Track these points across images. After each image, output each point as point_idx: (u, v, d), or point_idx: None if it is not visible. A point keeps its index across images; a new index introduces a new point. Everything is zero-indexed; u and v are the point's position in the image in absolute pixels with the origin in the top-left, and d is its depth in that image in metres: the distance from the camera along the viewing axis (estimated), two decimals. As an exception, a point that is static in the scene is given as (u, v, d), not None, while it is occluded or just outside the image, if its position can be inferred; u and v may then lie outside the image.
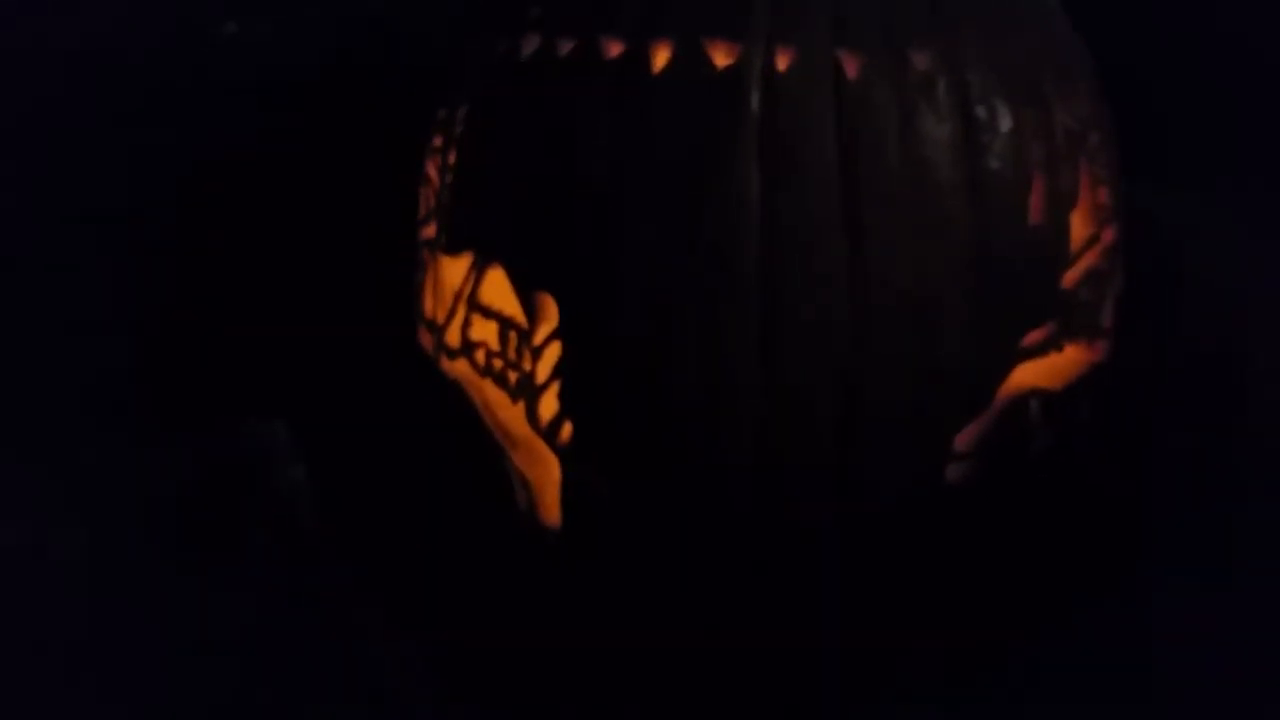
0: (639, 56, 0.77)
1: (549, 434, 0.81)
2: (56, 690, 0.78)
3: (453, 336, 0.85)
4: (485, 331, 0.83)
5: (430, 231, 0.87)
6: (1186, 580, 0.86)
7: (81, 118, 0.96)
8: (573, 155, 0.78)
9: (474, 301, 0.83)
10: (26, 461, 0.92)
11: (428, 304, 0.88)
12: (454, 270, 0.84)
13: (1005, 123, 0.78)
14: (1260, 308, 0.93)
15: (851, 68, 0.76)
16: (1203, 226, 0.97)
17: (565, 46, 0.79)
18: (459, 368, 0.85)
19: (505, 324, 0.82)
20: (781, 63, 0.76)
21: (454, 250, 0.84)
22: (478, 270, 0.82)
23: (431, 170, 0.87)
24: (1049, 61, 0.82)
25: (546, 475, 0.83)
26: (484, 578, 0.89)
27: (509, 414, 0.83)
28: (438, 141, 0.86)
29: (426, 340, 0.88)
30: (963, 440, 0.80)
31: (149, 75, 0.95)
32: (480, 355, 0.83)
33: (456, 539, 0.91)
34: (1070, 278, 0.82)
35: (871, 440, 0.78)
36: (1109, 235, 0.85)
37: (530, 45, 0.81)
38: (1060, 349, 0.83)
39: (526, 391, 0.81)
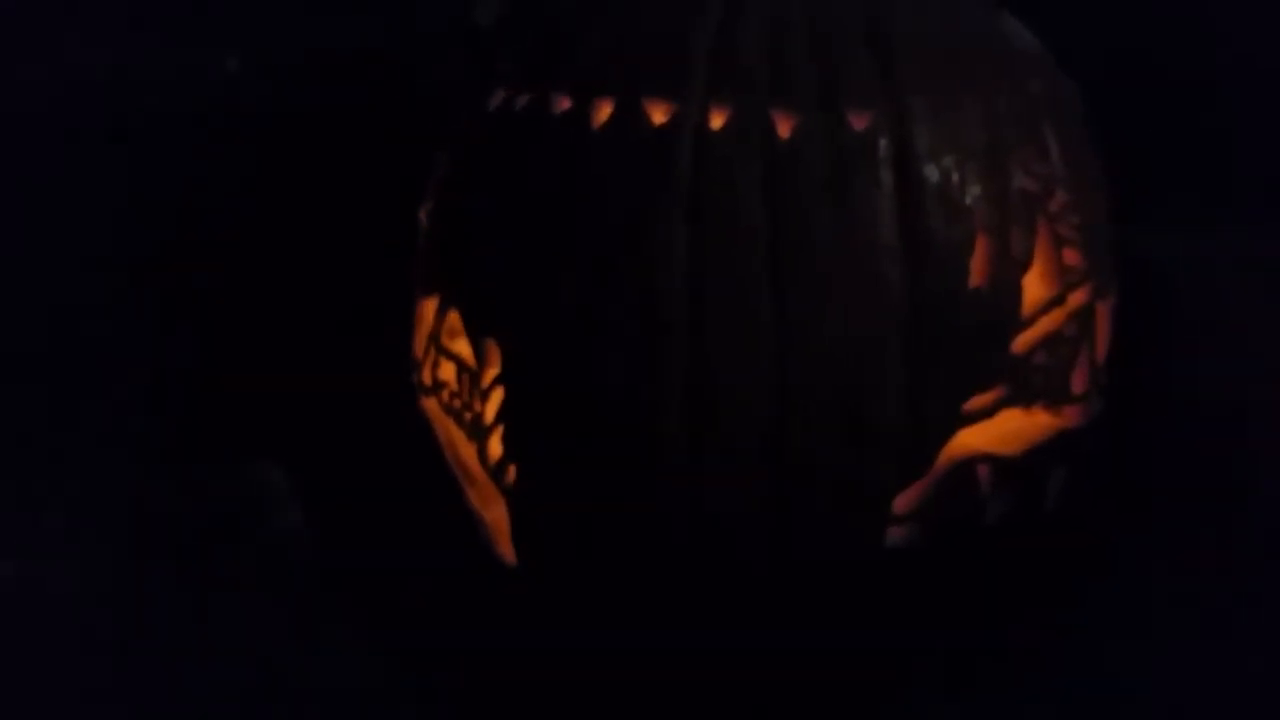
0: (583, 112, 0.79)
1: (497, 475, 0.83)
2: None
3: (426, 375, 0.88)
4: (448, 372, 0.86)
5: (417, 273, 0.91)
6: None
7: (82, 153, 0.99)
8: (519, 206, 0.81)
9: (438, 342, 0.86)
10: (23, 496, 0.95)
11: (415, 344, 0.91)
12: (427, 311, 0.88)
13: (949, 186, 0.77)
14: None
15: (784, 127, 0.77)
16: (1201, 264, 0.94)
17: (522, 100, 0.82)
18: (430, 405, 0.88)
19: (460, 366, 0.84)
20: (716, 121, 0.77)
21: (426, 292, 0.88)
22: (441, 312, 0.86)
23: (422, 213, 0.91)
24: (1014, 122, 0.80)
25: (500, 514, 0.85)
26: (471, 618, 0.91)
27: (467, 452, 0.86)
28: (429, 186, 0.90)
29: (414, 379, 0.92)
30: (903, 503, 0.79)
31: (152, 112, 0.99)
32: (445, 394, 0.87)
33: (447, 581, 0.93)
34: (1023, 342, 0.80)
35: (803, 499, 0.78)
36: (1078, 298, 0.83)
37: (496, 98, 0.84)
38: (1012, 414, 0.81)
39: (478, 432, 0.84)
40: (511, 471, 0.82)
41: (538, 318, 0.80)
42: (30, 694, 0.80)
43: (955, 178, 0.77)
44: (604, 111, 0.79)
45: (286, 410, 1.02)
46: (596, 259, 0.78)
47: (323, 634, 0.89)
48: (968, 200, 0.78)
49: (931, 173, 0.77)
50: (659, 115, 0.78)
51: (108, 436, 1.01)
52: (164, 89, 0.99)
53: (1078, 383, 0.84)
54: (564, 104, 0.80)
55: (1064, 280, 0.82)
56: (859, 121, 0.77)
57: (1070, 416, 0.84)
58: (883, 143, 0.77)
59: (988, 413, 0.80)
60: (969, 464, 0.80)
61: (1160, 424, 0.95)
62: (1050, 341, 0.81)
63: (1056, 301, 0.81)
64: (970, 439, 0.80)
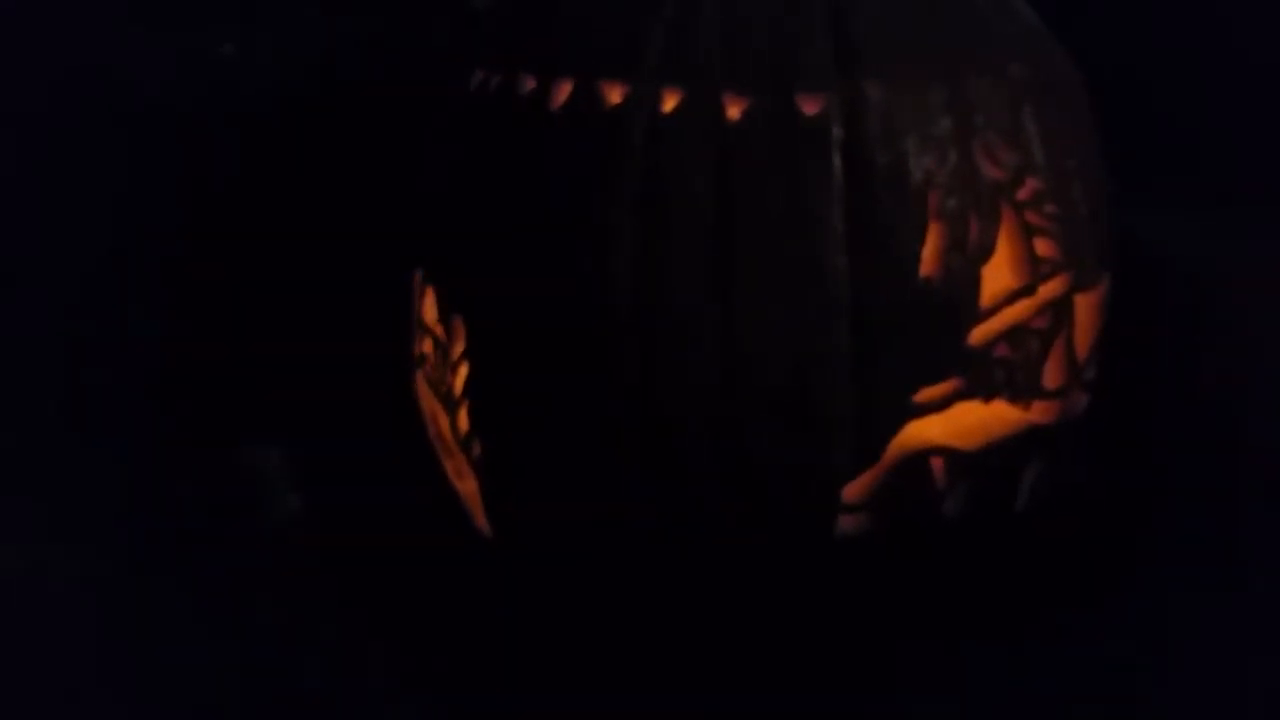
0: (545, 92, 0.80)
1: (465, 448, 0.85)
2: (51, 710, 0.81)
3: (416, 349, 0.90)
4: (429, 346, 0.88)
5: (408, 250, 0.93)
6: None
7: (80, 139, 1.00)
8: (483, 184, 0.82)
9: (419, 318, 0.88)
10: (22, 486, 0.96)
11: (411, 318, 0.93)
12: (417, 287, 0.90)
13: (902, 173, 0.76)
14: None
15: (735, 110, 0.76)
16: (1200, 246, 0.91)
17: (495, 81, 0.83)
18: (419, 378, 0.91)
19: (435, 340, 0.86)
20: (668, 103, 0.77)
21: (413, 268, 0.90)
22: (421, 288, 0.88)
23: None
24: (983, 107, 0.78)
25: (473, 487, 0.87)
26: (461, 593, 0.92)
27: (444, 425, 0.88)
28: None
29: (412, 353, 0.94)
30: (853, 492, 0.78)
31: (149, 96, 1.01)
32: (428, 367, 0.89)
33: (445, 563, 0.94)
34: (980, 334, 0.78)
35: (753, 482, 0.78)
36: (1051, 289, 0.80)
37: (475, 79, 0.85)
38: (970, 407, 0.79)
39: (450, 406, 0.86)
40: (477, 445, 0.84)
41: (496, 296, 0.81)
42: (29, 684, 0.82)
43: (909, 165, 0.76)
44: (563, 92, 0.79)
45: (289, 395, 1.03)
46: (550, 238, 0.79)
47: (320, 620, 0.91)
48: (921, 188, 0.76)
49: (883, 159, 0.76)
50: (614, 96, 0.78)
51: (105, 425, 1.02)
52: (160, 75, 1.01)
53: (1051, 377, 0.82)
54: (530, 84, 0.81)
55: (1035, 271, 0.80)
56: (810, 106, 0.76)
57: (1043, 412, 0.82)
58: (834, 128, 0.76)
59: (941, 405, 0.78)
60: (922, 456, 0.79)
61: (1161, 421, 0.92)
62: (1015, 334, 0.79)
63: (1024, 292, 0.79)
64: (924, 430, 0.78)
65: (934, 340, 0.77)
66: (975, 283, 0.77)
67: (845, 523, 0.79)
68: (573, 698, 0.84)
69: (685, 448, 0.78)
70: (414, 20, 1.03)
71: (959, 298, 0.77)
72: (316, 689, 0.85)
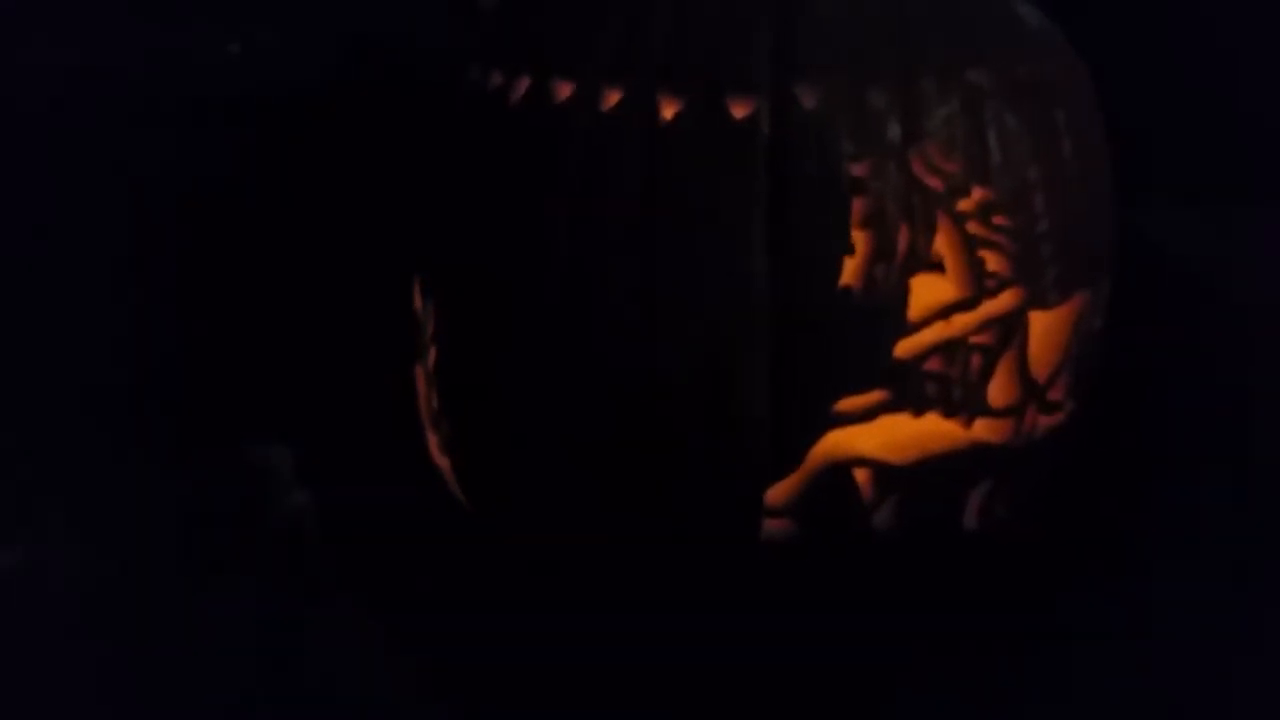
0: (507, 89, 0.82)
1: (436, 425, 0.89)
2: (55, 710, 0.81)
3: (416, 339, 0.94)
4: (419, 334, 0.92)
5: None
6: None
7: (84, 137, 1.00)
8: (453, 176, 0.85)
9: (414, 307, 0.92)
10: (28, 482, 0.96)
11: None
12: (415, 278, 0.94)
13: (827, 180, 0.75)
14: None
15: (669, 111, 0.77)
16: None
17: (473, 74, 0.86)
18: (418, 367, 0.95)
19: (420, 326, 0.90)
20: (609, 101, 0.78)
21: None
22: (411, 276, 0.92)
23: None
24: (929, 114, 0.77)
25: (448, 464, 0.90)
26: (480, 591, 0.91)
27: (424, 404, 0.92)
28: None
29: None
30: (776, 496, 0.78)
31: (154, 94, 1.01)
32: (419, 347, 0.93)
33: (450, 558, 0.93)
34: (909, 346, 0.77)
35: (679, 480, 0.79)
36: (997, 305, 0.78)
37: (467, 75, 0.88)
38: (899, 421, 0.78)
39: (429, 387, 0.90)
40: (445, 424, 0.88)
41: (455, 281, 0.84)
42: (33, 682, 0.82)
43: (838, 172, 0.75)
44: (521, 88, 0.81)
45: (296, 392, 1.04)
46: (500, 228, 0.81)
47: (329, 611, 0.90)
48: (846, 195, 0.75)
49: (810, 165, 0.75)
50: (563, 93, 0.80)
51: (112, 422, 1.01)
52: (165, 74, 1.01)
53: (999, 396, 0.79)
54: (497, 80, 0.83)
55: (978, 284, 0.77)
56: (740, 109, 0.76)
57: (990, 431, 0.80)
58: (761, 132, 0.75)
59: (864, 415, 0.77)
60: (846, 466, 0.78)
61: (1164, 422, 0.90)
62: (950, 348, 0.77)
63: (962, 306, 0.77)
64: (850, 440, 0.78)
65: (857, 350, 0.76)
66: (903, 294, 0.76)
67: (771, 525, 0.79)
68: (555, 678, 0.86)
69: (614, 441, 0.79)
70: (425, 18, 1.05)
71: (884, 309, 0.76)
72: (324, 684, 0.85)
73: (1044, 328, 0.80)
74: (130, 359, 1.03)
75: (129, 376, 1.03)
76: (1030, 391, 0.80)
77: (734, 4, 0.79)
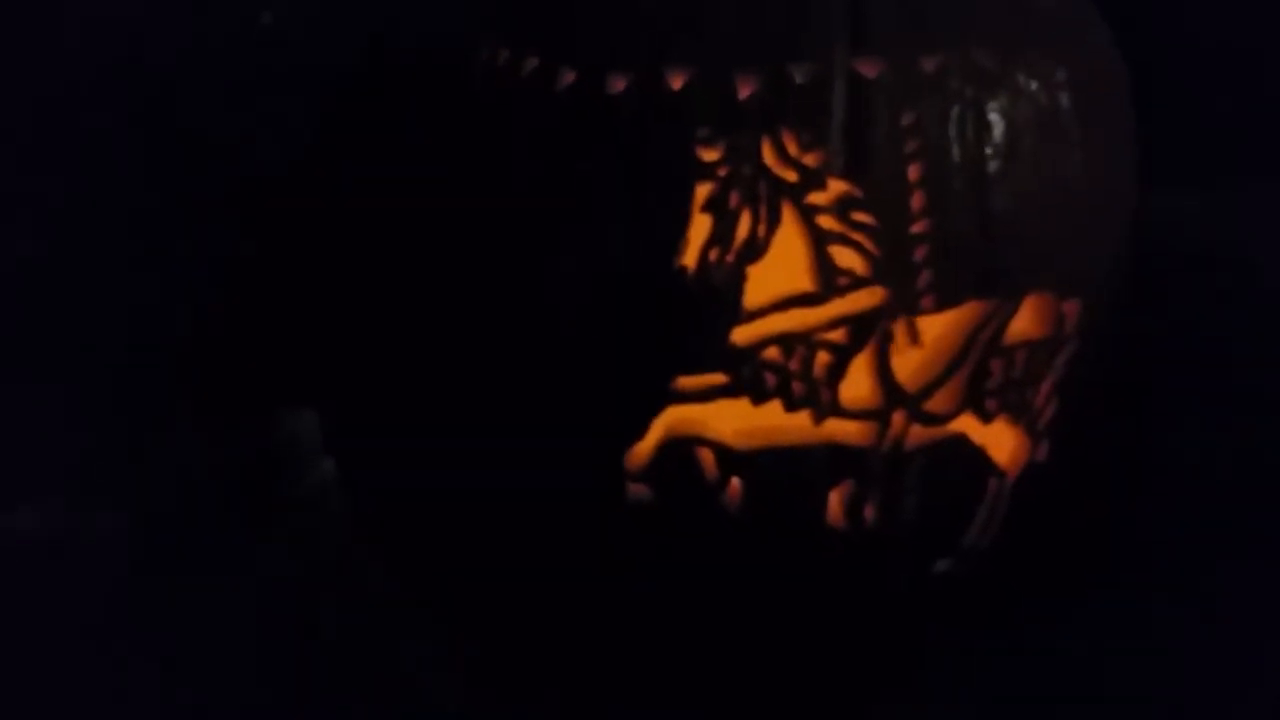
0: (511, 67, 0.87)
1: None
2: (91, 669, 0.84)
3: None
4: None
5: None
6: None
7: (115, 111, 0.99)
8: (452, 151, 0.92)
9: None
10: (63, 447, 0.97)
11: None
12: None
13: (679, 160, 0.77)
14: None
15: (618, 85, 0.77)
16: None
17: (483, 55, 0.91)
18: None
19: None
20: (564, 80, 0.80)
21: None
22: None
23: None
24: (801, 103, 0.76)
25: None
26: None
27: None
28: None
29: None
30: (632, 462, 0.81)
31: (183, 67, 1.00)
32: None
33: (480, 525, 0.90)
34: (745, 334, 0.77)
35: (546, 439, 0.83)
36: (848, 304, 0.77)
37: (477, 53, 0.92)
38: (737, 406, 0.78)
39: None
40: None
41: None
42: (57, 649, 0.85)
43: (688, 154, 0.76)
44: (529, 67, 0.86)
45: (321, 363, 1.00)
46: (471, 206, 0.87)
47: (353, 584, 0.93)
48: (689, 179, 0.76)
49: (665, 150, 0.77)
50: (529, 66, 0.85)
51: (141, 390, 1.02)
52: (196, 44, 1.00)
53: (855, 397, 0.77)
54: (492, 55, 0.90)
55: (827, 281, 0.76)
56: (617, 83, 0.79)
57: (844, 432, 0.78)
58: (632, 110, 0.78)
59: (701, 396, 0.78)
60: (688, 442, 0.80)
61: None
62: (789, 341, 0.77)
63: (805, 301, 0.76)
64: (693, 418, 0.79)
65: (690, 331, 0.77)
66: (739, 281, 0.76)
67: (634, 490, 0.82)
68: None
69: (496, 398, 0.84)
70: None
71: (718, 294, 0.76)
72: (347, 651, 0.88)
73: (919, 332, 0.77)
74: (162, 326, 1.03)
75: (160, 344, 1.03)
76: (897, 399, 0.77)
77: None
